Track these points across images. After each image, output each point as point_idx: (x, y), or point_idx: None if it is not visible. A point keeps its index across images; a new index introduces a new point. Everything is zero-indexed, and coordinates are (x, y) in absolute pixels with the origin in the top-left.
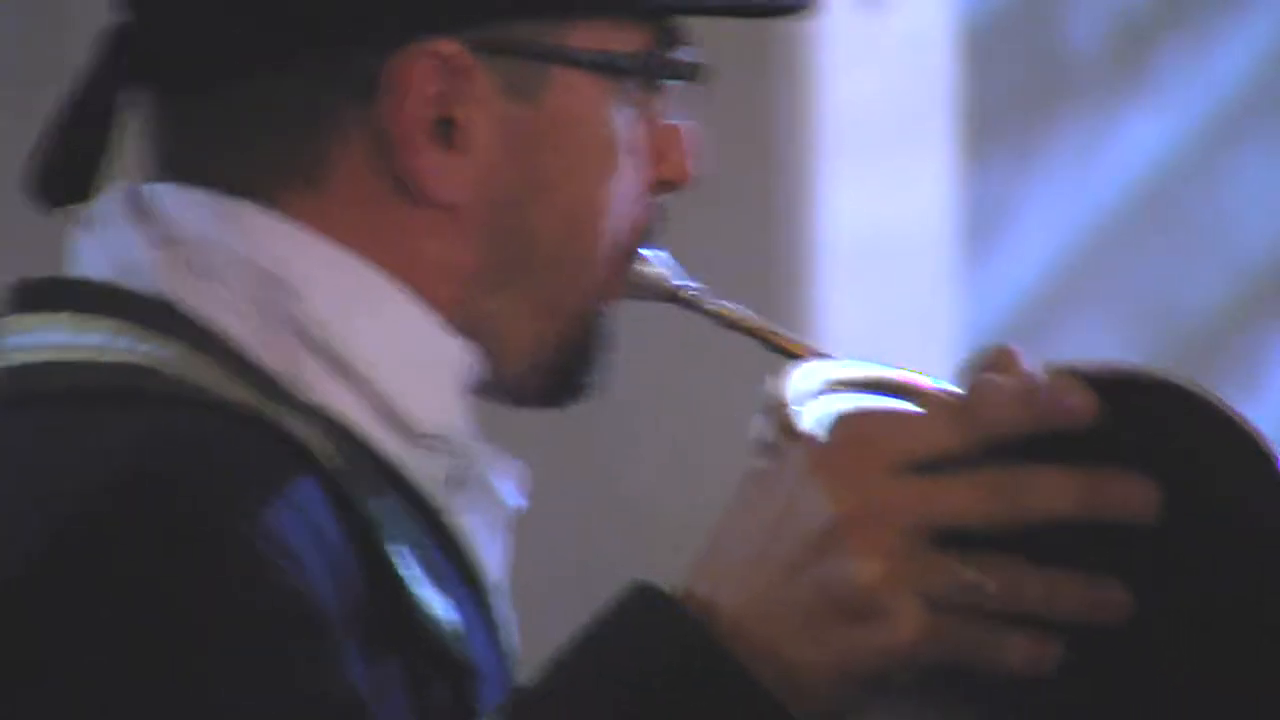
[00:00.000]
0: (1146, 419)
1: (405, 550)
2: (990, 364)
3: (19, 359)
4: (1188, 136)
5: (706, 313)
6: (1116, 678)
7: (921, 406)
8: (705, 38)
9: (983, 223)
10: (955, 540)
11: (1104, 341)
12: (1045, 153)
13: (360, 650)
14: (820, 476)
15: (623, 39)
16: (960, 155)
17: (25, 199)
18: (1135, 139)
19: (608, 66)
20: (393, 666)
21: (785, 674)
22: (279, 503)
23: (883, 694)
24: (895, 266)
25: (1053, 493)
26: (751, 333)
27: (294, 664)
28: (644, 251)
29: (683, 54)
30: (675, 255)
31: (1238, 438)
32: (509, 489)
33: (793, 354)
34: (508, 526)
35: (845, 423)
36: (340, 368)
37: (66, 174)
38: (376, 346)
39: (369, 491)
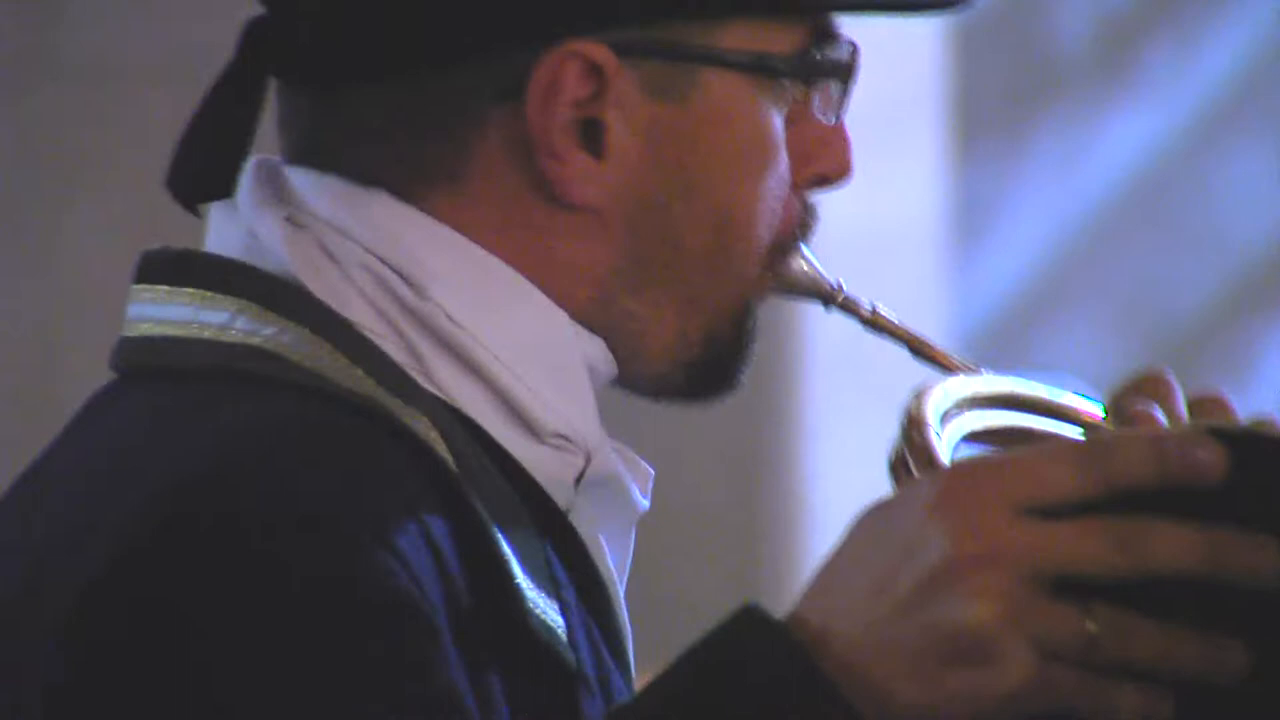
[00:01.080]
0: (1270, 478)
1: (520, 551)
2: (1142, 389)
3: (143, 330)
4: (1175, 133)
5: (857, 314)
6: None
7: (1049, 450)
8: None
9: (971, 219)
10: (1073, 588)
11: (1092, 336)
12: (1033, 149)
13: (462, 652)
14: (941, 515)
15: (776, 38)
16: (948, 152)
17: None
18: (1123, 135)
19: (759, 67)
20: (495, 669)
21: (890, 712)
22: (389, 500)
23: None
24: (883, 263)
25: (1178, 548)
26: (899, 338)
27: (394, 661)
28: (800, 250)
29: (838, 52)
30: None
31: None
32: (636, 489)
33: (942, 365)
34: (631, 528)
35: (971, 462)
36: (466, 363)
37: (209, 171)
38: (505, 344)
39: (486, 489)
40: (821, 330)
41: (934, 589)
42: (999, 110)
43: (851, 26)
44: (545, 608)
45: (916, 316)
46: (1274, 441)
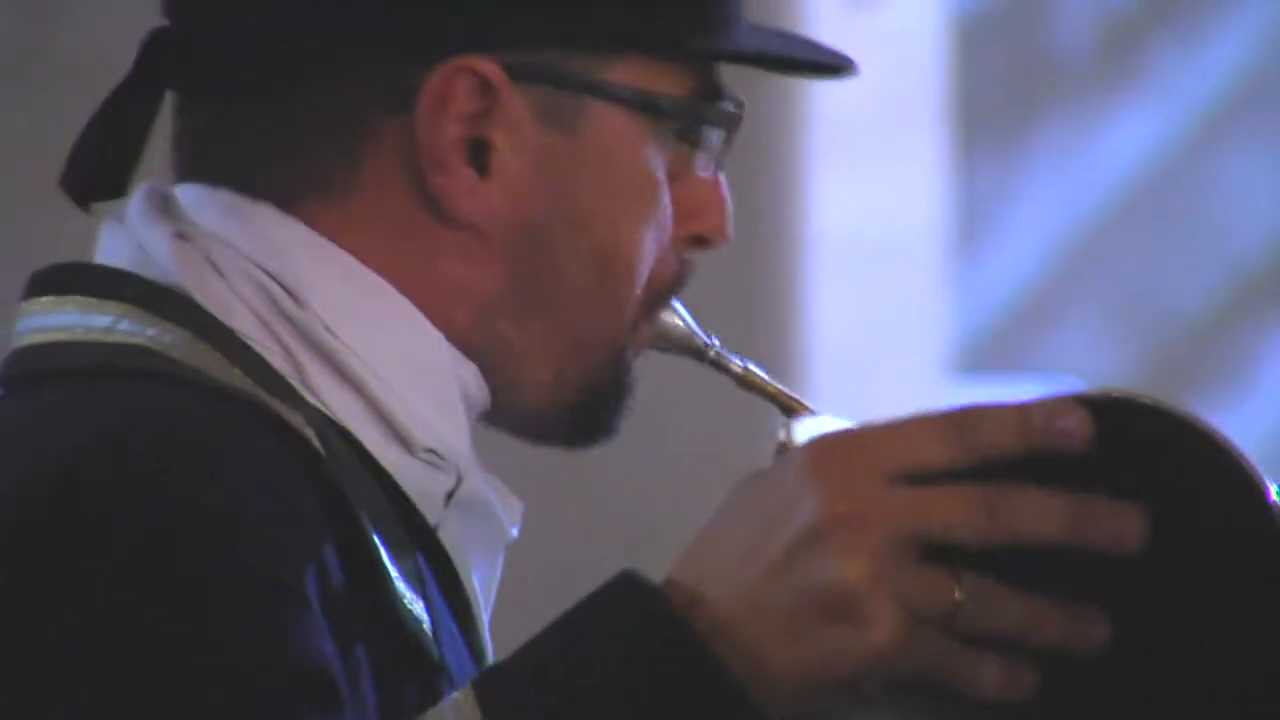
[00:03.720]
0: (1140, 444)
1: (385, 545)
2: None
3: (32, 340)
4: (1177, 134)
5: (728, 372)
6: (1089, 707)
7: (920, 421)
8: None
9: (972, 220)
10: (944, 556)
11: (1093, 338)
12: (1034, 150)
13: (332, 633)
14: (812, 479)
15: (665, 82)
16: (950, 153)
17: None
18: (1125, 137)
19: (648, 105)
20: (363, 656)
21: (761, 671)
22: (256, 477)
23: (851, 703)
24: (884, 264)
25: (1041, 515)
26: (770, 397)
27: (254, 630)
28: (674, 304)
29: (724, 104)
30: None
31: (1231, 466)
32: (506, 516)
33: (804, 416)
34: (499, 553)
35: (842, 432)
36: (342, 374)
37: (102, 172)
38: (380, 358)
39: (358, 487)
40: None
41: (804, 550)
42: (1000, 111)
43: (852, 28)
44: (412, 600)
45: (918, 318)
46: (1141, 406)
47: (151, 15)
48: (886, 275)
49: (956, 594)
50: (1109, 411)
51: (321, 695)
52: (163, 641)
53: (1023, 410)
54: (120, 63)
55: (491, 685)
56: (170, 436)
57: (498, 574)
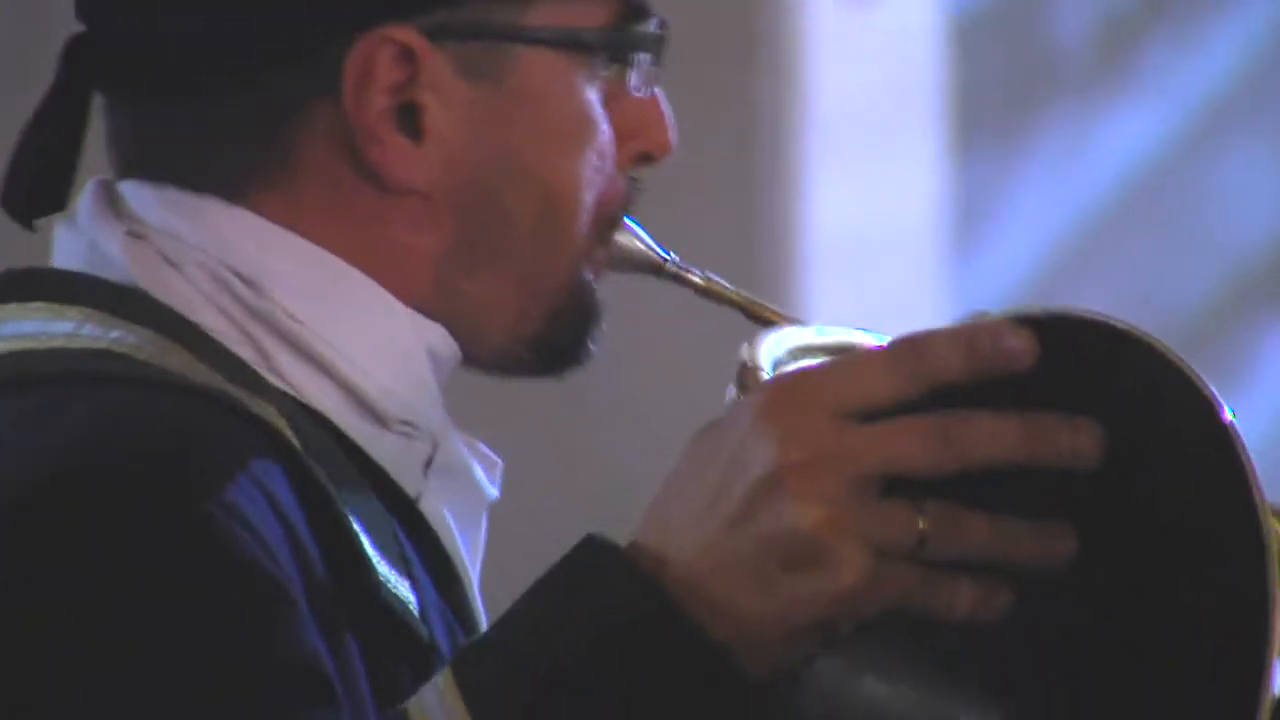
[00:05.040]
0: (1087, 358)
1: (366, 530)
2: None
3: None
4: (1174, 131)
5: (689, 284)
6: (1060, 627)
7: (867, 356)
8: (693, 34)
9: (970, 217)
10: (903, 488)
11: None
12: (1031, 148)
13: (320, 624)
14: (764, 425)
15: (585, 14)
16: (947, 150)
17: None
18: (1121, 134)
19: (570, 43)
20: (352, 643)
21: (735, 625)
22: (235, 475)
23: (831, 646)
24: (882, 261)
25: (994, 437)
26: (733, 304)
27: (246, 629)
28: (628, 224)
29: (647, 27)
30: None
31: (1177, 375)
32: (483, 476)
33: (774, 324)
34: (480, 513)
35: (790, 375)
36: (309, 356)
37: (42, 186)
38: (344, 337)
39: (333, 472)
40: None
41: (763, 499)
42: (998, 109)
43: (850, 26)
44: (396, 583)
45: (916, 313)
46: (1081, 320)
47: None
48: (884, 272)
49: (921, 523)
50: (1052, 327)
51: (314, 691)
52: (154, 645)
53: (966, 333)
54: None
55: (469, 667)
56: (147, 440)
57: (483, 534)
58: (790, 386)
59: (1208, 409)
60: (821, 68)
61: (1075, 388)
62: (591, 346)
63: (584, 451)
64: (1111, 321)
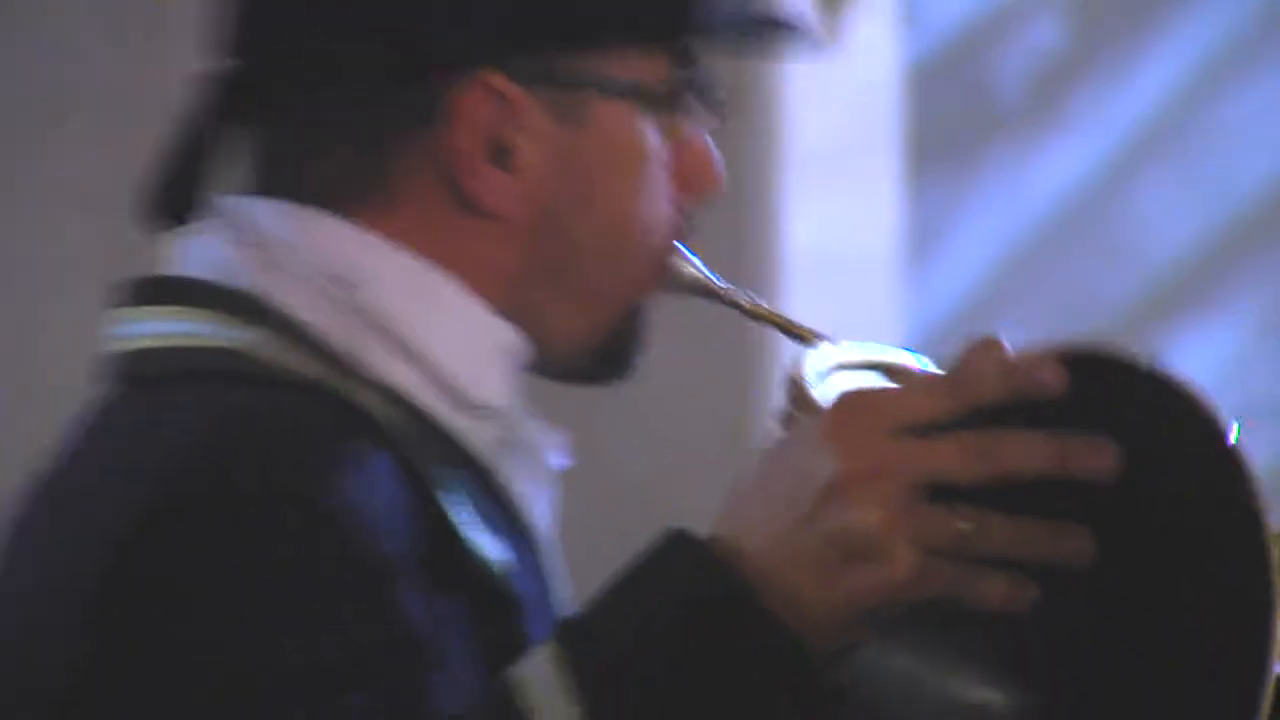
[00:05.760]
0: (1109, 389)
1: (458, 502)
2: (977, 347)
3: (132, 345)
4: (1099, 162)
5: (738, 306)
6: (1075, 617)
7: (918, 382)
8: None
9: (925, 238)
10: (944, 494)
11: (1027, 338)
12: (978, 178)
13: (427, 591)
14: (829, 440)
15: (653, 68)
16: (905, 180)
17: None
18: (1054, 165)
19: (639, 93)
20: (456, 605)
21: (799, 610)
22: (350, 466)
23: (879, 628)
24: (849, 276)
25: (1027, 452)
26: (774, 324)
27: (375, 607)
28: (683, 251)
29: (703, 77)
30: None
31: (1188, 405)
32: (551, 452)
33: (809, 341)
34: (552, 485)
35: (851, 395)
36: (401, 349)
37: (177, 197)
38: (432, 330)
39: (427, 454)
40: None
41: (828, 502)
42: (948, 144)
43: (821, 75)
44: (487, 547)
45: (879, 322)
46: (1109, 358)
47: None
48: (850, 285)
49: (961, 525)
50: (1080, 363)
51: (428, 656)
52: (291, 620)
53: (1006, 365)
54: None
55: (569, 640)
56: (274, 438)
57: (553, 503)
58: (851, 406)
59: (1212, 429)
60: (797, 110)
61: (1097, 411)
62: (638, 361)
63: (590, 448)
64: (1129, 356)
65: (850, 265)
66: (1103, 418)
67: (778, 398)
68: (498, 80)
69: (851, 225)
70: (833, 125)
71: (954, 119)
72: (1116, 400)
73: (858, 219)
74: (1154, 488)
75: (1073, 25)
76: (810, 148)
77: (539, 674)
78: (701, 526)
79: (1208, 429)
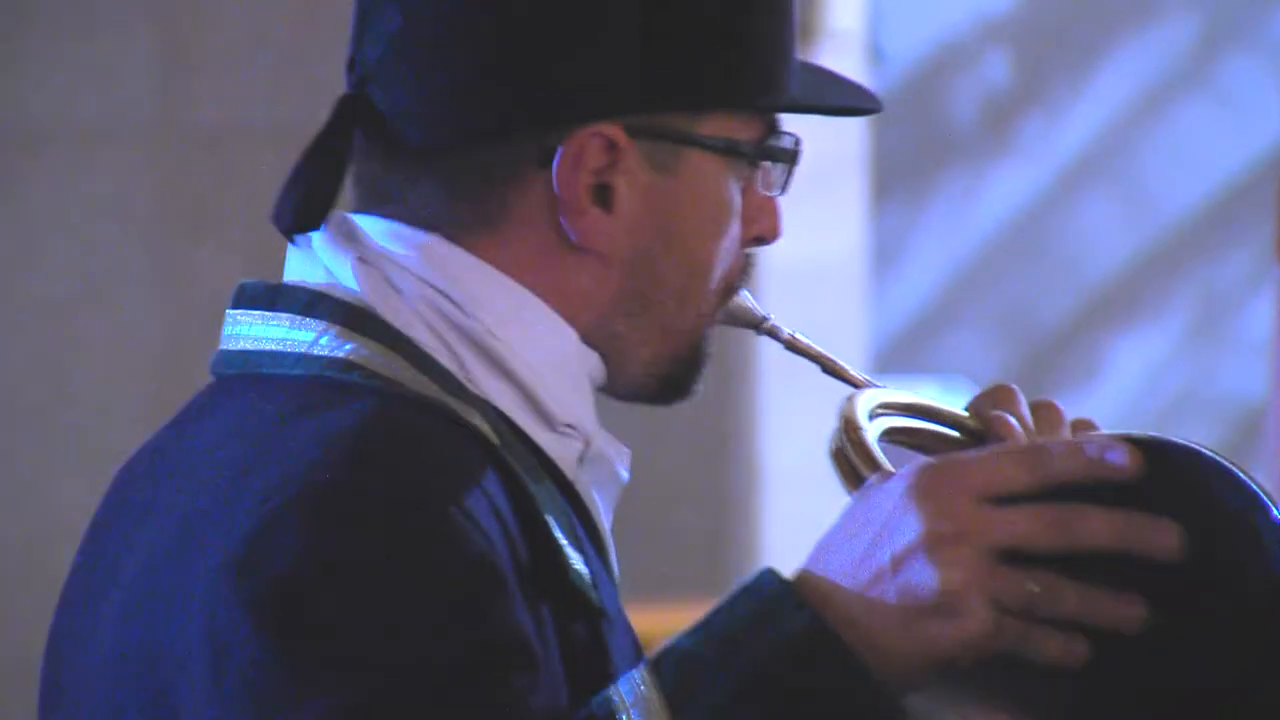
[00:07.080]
0: (1175, 474)
1: (553, 516)
2: (994, 397)
3: (242, 344)
4: (1041, 187)
5: (779, 338)
6: (1124, 678)
7: (1004, 449)
8: None
9: (885, 254)
10: (1019, 558)
11: (977, 346)
12: (933, 200)
13: (529, 598)
14: (917, 501)
15: (742, 129)
16: (869, 201)
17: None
18: (1001, 190)
19: (730, 150)
20: (545, 612)
21: (879, 655)
22: (465, 481)
23: (948, 674)
24: (814, 289)
25: (1100, 527)
26: (812, 358)
27: (486, 611)
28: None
29: (785, 141)
30: None
31: (1249, 500)
32: (620, 465)
33: (846, 379)
34: (618, 494)
35: (941, 462)
36: (500, 368)
37: (306, 209)
38: (531, 354)
39: (525, 466)
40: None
41: (913, 559)
42: (906, 170)
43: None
44: (577, 560)
45: (843, 332)
46: (1177, 447)
47: (277, 94)
48: (816, 297)
49: (1032, 588)
50: (1151, 449)
51: (524, 659)
52: (408, 622)
53: (1086, 446)
54: (250, 132)
55: (666, 668)
56: (398, 453)
57: (613, 510)
58: (938, 472)
59: (1262, 509)
60: None
61: (1165, 494)
62: (700, 383)
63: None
64: (1192, 446)
65: (818, 277)
66: (1166, 503)
67: (833, 432)
68: (614, 131)
69: (820, 241)
70: (804, 151)
71: (913, 146)
72: (1180, 483)
73: (825, 236)
74: (1211, 569)
75: (1020, 62)
76: None
77: (629, 694)
78: (682, 522)
79: (1266, 520)
